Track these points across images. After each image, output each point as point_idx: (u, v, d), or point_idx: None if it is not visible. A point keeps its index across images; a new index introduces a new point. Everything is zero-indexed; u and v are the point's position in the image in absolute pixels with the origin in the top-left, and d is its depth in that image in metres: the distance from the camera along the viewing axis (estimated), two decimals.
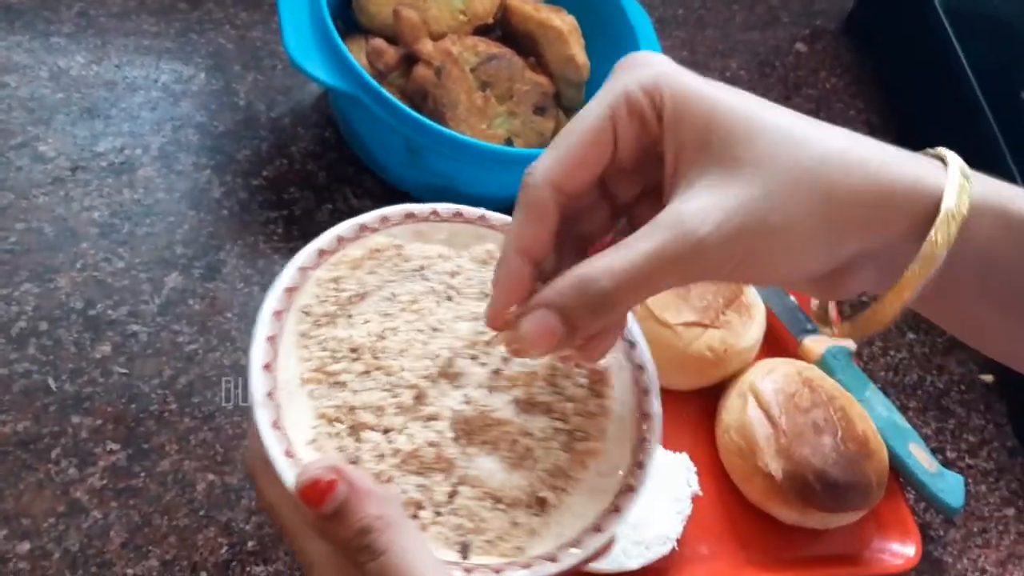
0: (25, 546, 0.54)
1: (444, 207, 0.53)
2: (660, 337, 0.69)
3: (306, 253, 0.48)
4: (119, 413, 0.59)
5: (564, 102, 0.75)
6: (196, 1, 0.78)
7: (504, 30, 0.75)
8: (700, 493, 0.65)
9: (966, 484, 0.77)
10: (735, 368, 0.72)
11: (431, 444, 0.45)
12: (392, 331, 0.48)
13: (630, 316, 0.50)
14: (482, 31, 0.74)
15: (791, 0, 1.08)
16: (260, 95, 0.75)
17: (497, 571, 0.44)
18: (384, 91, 0.62)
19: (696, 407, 0.72)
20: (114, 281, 0.63)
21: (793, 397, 0.69)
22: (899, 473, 0.74)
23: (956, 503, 0.73)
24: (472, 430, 0.47)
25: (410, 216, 0.52)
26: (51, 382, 0.59)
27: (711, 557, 0.67)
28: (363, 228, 0.50)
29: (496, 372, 0.49)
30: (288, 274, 0.47)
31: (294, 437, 0.43)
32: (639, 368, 0.52)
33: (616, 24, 0.75)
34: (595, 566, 0.60)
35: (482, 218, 0.53)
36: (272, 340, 0.45)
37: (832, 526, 0.70)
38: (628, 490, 0.48)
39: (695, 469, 0.66)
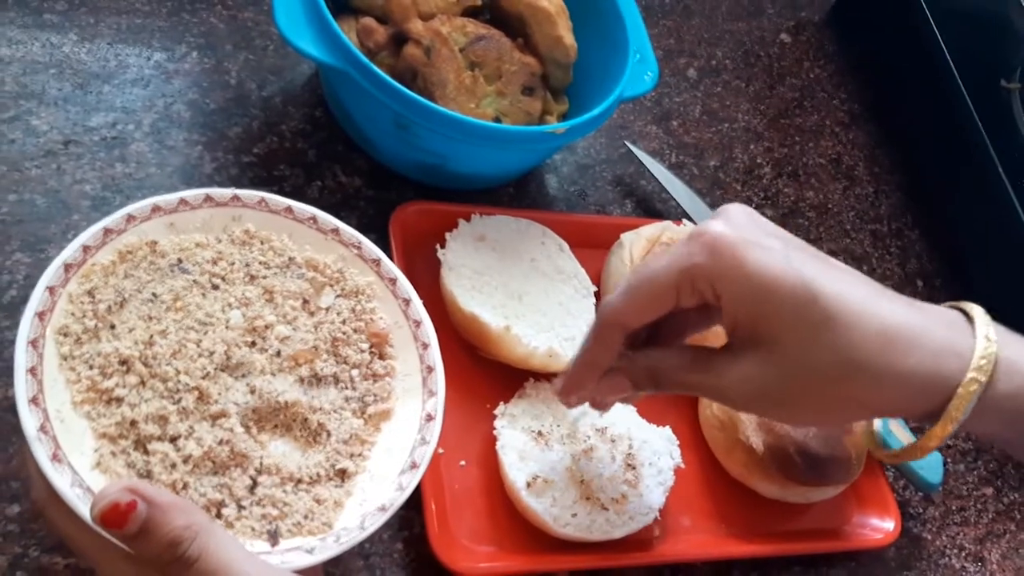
0: (15, 508, 0.54)
1: (192, 193, 0.51)
2: None
3: (51, 272, 0.46)
4: None
5: (552, 83, 0.76)
6: None
7: (492, 12, 0.76)
8: (683, 465, 0.66)
9: (944, 464, 0.79)
10: (718, 343, 0.73)
11: (222, 443, 0.45)
12: (161, 334, 0.47)
13: (399, 273, 0.55)
14: (471, 12, 0.75)
15: None
16: (251, 74, 0.76)
17: (309, 550, 0.44)
18: (374, 67, 0.63)
19: None
20: None
21: None
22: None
23: (935, 479, 0.74)
24: (262, 418, 0.47)
25: (157, 209, 0.50)
26: None
27: (693, 529, 0.68)
28: (108, 232, 0.48)
29: (277, 354, 0.49)
30: (35, 298, 0.45)
31: (79, 465, 0.42)
32: (416, 323, 0.53)
33: (604, 9, 0.76)
34: (581, 535, 0.61)
35: (235, 198, 0.52)
36: (33, 371, 0.43)
37: (813, 500, 0.71)
38: (422, 443, 0.49)
39: (678, 442, 0.67)
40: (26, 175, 0.65)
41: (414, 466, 0.48)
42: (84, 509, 0.39)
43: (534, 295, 0.69)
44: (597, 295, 0.72)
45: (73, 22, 0.73)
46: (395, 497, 0.47)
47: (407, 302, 0.54)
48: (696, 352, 0.52)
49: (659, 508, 0.64)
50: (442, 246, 0.68)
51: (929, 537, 0.77)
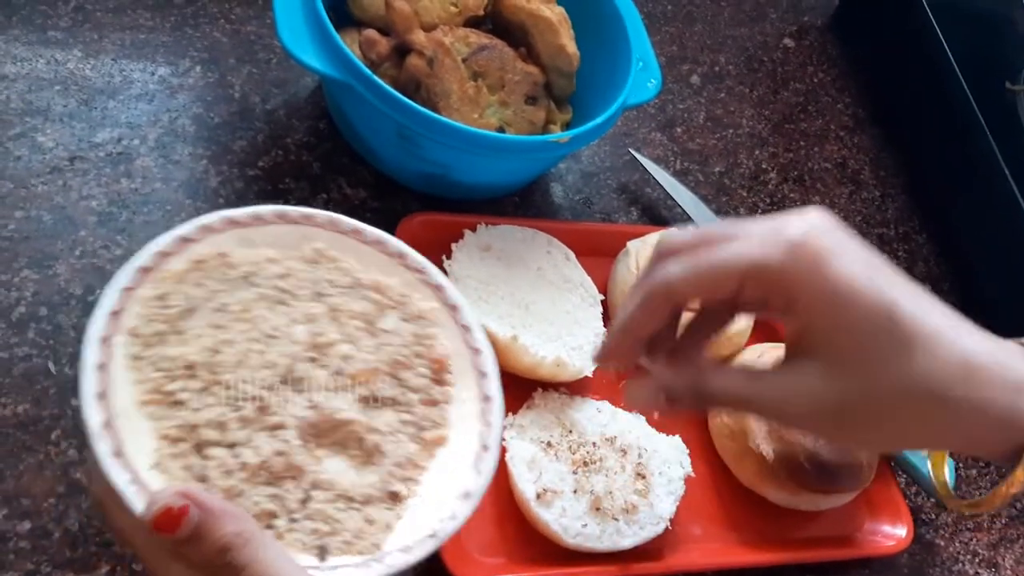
0: (26, 525, 0.54)
1: (266, 209, 0.52)
2: None
3: (127, 273, 0.46)
4: None
5: (555, 92, 0.76)
6: None
7: (494, 22, 0.76)
8: (692, 474, 0.66)
9: (956, 468, 0.78)
10: (727, 352, 0.73)
11: (278, 454, 0.45)
12: (227, 343, 0.47)
13: (463, 301, 0.54)
14: (473, 22, 0.75)
15: None
16: (255, 88, 0.76)
17: (356, 570, 0.44)
18: (378, 79, 0.63)
19: None
20: (113, 268, 0.64)
21: None
22: (890, 456, 0.75)
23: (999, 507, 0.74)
24: (319, 433, 0.47)
25: (232, 222, 0.51)
26: (51, 366, 0.60)
27: (704, 538, 0.67)
28: (183, 240, 0.49)
29: (338, 373, 0.49)
30: (110, 297, 0.45)
31: (138, 463, 0.42)
32: (476, 352, 0.53)
33: (606, 17, 0.76)
34: (591, 545, 0.61)
35: (307, 217, 0.53)
36: (103, 367, 0.44)
37: (824, 508, 0.71)
38: (477, 475, 0.48)
39: (687, 451, 0.67)
40: (32, 192, 0.65)
41: (467, 496, 0.48)
42: (140, 507, 0.40)
43: (541, 304, 0.69)
44: (604, 303, 0.72)
45: (77, 38, 0.73)
46: (446, 526, 0.47)
47: (467, 329, 0.53)
48: (744, 366, 0.49)
49: (669, 517, 0.64)
50: (448, 257, 0.68)
51: (942, 543, 0.76)
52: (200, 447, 0.44)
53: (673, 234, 0.46)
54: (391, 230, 0.68)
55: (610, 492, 0.62)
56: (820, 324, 0.43)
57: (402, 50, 0.69)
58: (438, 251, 0.68)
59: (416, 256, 0.55)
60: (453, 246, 0.68)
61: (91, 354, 0.44)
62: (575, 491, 0.62)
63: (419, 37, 0.69)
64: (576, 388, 0.68)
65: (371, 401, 0.49)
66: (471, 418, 0.51)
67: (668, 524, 0.64)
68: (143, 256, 0.47)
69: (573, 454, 0.63)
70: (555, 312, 0.69)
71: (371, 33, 0.69)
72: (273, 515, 0.44)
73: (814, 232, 0.43)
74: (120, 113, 0.71)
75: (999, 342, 0.45)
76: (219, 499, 0.40)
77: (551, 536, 0.61)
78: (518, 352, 0.64)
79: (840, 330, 0.43)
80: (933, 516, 0.78)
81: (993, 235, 0.91)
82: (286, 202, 0.71)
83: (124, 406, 0.44)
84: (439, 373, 0.52)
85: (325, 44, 0.64)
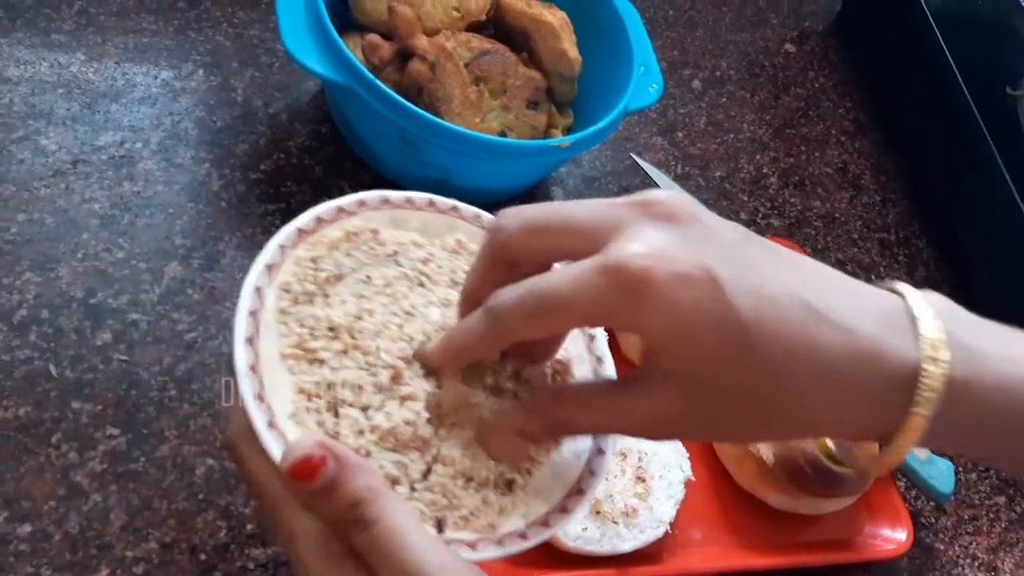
0: (26, 528, 0.54)
1: (418, 195, 0.54)
2: None
3: (286, 232, 0.49)
4: (119, 399, 0.60)
5: (557, 96, 0.76)
6: (194, 0, 0.80)
7: (496, 27, 0.77)
8: (692, 478, 0.66)
9: (956, 472, 0.78)
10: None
11: (407, 423, 0.46)
12: (368, 312, 0.49)
13: None
14: (475, 27, 0.75)
15: (780, 2, 1.10)
16: (257, 91, 0.76)
17: (472, 545, 0.45)
18: (380, 84, 0.63)
19: None
20: (114, 271, 0.64)
21: None
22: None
23: (946, 489, 0.74)
24: (445, 412, 0.48)
25: (386, 202, 0.53)
26: (52, 368, 0.60)
27: (704, 542, 0.68)
28: (341, 211, 0.51)
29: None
30: (268, 251, 0.48)
31: (277, 410, 0.44)
32: (598, 360, 0.53)
33: (608, 22, 0.77)
34: (592, 549, 0.61)
35: (454, 208, 0.54)
36: (254, 315, 0.46)
37: (824, 511, 0.71)
38: (590, 474, 0.49)
39: (688, 454, 0.67)
40: (35, 195, 0.65)
41: (581, 492, 0.49)
42: (277, 451, 0.41)
43: None
44: None
45: (80, 42, 0.73)
46: (560, 518, 0.47)
47: (592, 337, 0.54)
48: (597, 390, 0.47)
49: (670, 521, 0.64)
50: None
51: (942, 547, 0.76)
52: (334, 406, 0.46)
53: (501, 227, 0.43)
54: None
55: (610, 495, 0.62)
56: (671, 356, 0.41)
57: (404, 55, 0.70)
58: None
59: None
60: None
61: (245, 300, 0.45)
62: None
63: (421, 42, 0.69)
64: None
65: (495, 390, 0.51)
66: None
67: (668, 528, 0.64)
68: (303, 219, 0.49)
69: None
70: None
71: (374, 38, 0.70)
72: (396, 481, 0.45)
73: (657, 258, 0.39)
74: (123, 116, 0.71)
75: (863, 320, 0.42)
76: (353, 454, 0.40)
77: (551, 539, 0.61)
78: None
79: (692, 361, 0.40)
80: (933, 520, 0.78)
81: (994, 240, 0.91)
82: (288, 206, 0.71)
83: (268, 355, 0.45)
84: (561, 375, 0.53)
85: (328, 48, 0.64)
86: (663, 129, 0.92)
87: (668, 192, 0.42)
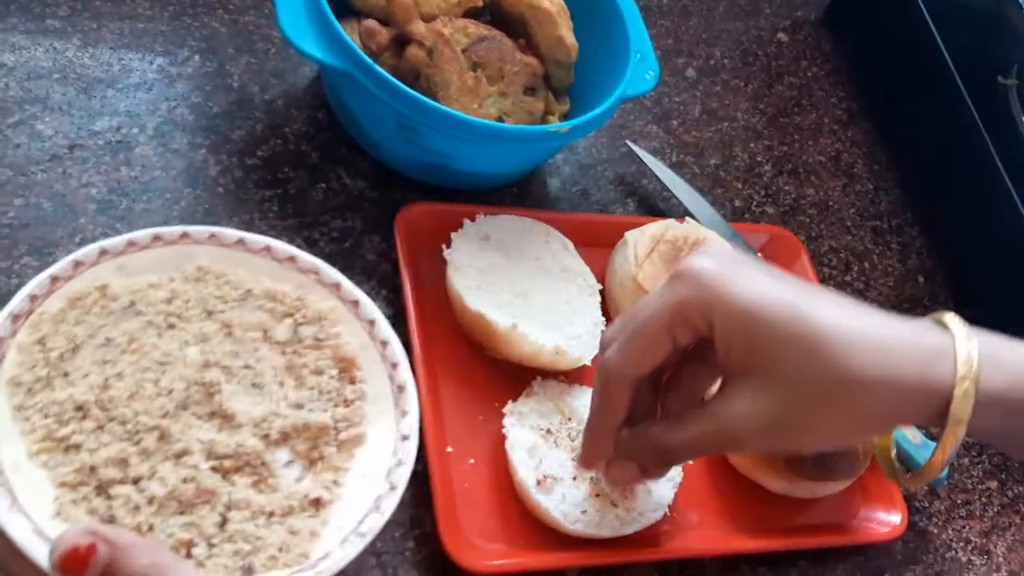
0: None
1: (139, 234, 0.51)
2: None
3: None
4: None
5: (553, 82, 0.77)
6: None
7: (493, 13, 0.77)
8: (690, 461, 0.66)
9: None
10: None
11: (187, 480, 0.44)
12: (117, 377, 0.46)
13: (362, 295, 0.54)
14: (472, 13, 0.75)
15: None
16: (254, 77, 0.76)
17: None
18: (378, 68, 0.63)
19: None
20: None
21: None
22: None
23: (940, 474, 0.74)
24: (230, 454, 0.46)
25: (104, 253, 0.50)
26: None
27: (701, 525, 0.68)
28: (55, 280, 0.48)
29: (254, 385, 0.49)
30: None
31: (37, 515, 0.41)
32: (383, 344, 0.53)
33: (604, 9, 0.77)
34: (591, 532, 0.61)
35: (184, 235, 0.52)
36: None
37: (820, 495, 0.71)
38: (399, 465, 0.48)
39: None
40: (32, 179, 0.65)
41: (392, 488, 0.48)
42: (43, 556, 0.38)
43: (540, 294, 0.69)
44: (602, 293, 0.73)
45: (76, 27, 0.73)
46: (375, 521, 0.46)
47: (372, 323, 0.53)
48: (692, 410, 0.51)
49: (668, 504, 0.64)
50: (448, 246, 0.68)
51: (935, 531, 0.77)
52: (102, 488, 0.43)
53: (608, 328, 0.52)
54: (390, 219, 0.70)
55: None
56: (739, 341, 0.47)
57: (402, 40, 0.70)
58: (438, 240, 0.68)
59: (307, 257, 0.54)
60: (453, 235, 0.69)
61: None
62: (574, 478, 0.62)
63: (419, 27, 0.69)
64: (575, 376, 0.69)
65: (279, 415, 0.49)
66: (388, 411, 0.51)
67: (667, 511, 0.64)
68: (12, 304, 0.46)
69: (572, 441, 0.63)
70: (554, 301, 0.69)
71: (371, 23, 0.70)
72: (191, 544, 0.43)
73: (712, 262, 0.47)
74: (119, 102, 0.71)
75: (907, 319, 0.49)
76: (128, 533, 0.38)
77: (551, 522, 0.61)
78: (518, 341, 0.64)
79: (755, 342, 0.46)
80: (927, 504, 0.78)
81: (986, 228, 0.91)
82: (285, 192, 0.71)
83: (15, 460, 0.43)
84: (349, 372, 0.52)
85: (326, 33, 0.64)
86: (658, 117, 0.92)
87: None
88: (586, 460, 0.56)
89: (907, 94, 1.01)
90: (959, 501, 0.80)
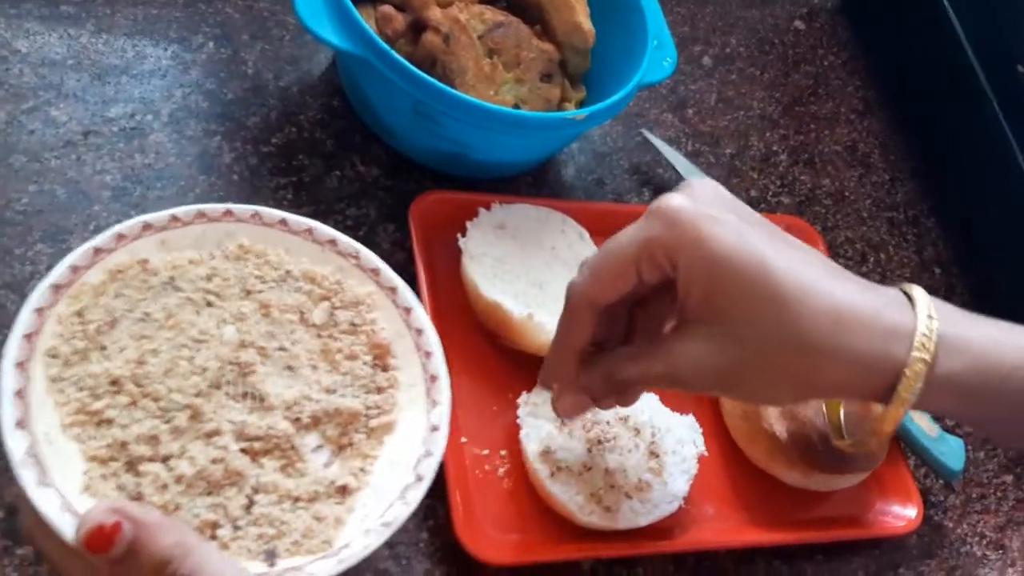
0: None
1: (184, 210, 0.51)
2: None
3: (39, 293, 0.45)
4: None
5: (570, 69, 0.76)
6: None
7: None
8: (706, 453, 0.66)
9: (966, 451, 0.78)
10: None
11: (216, 461, 0.44)
12: (152, 353, 0.46)
13: (400, 282, 0.54)
14: (488, 0, 0.74)
15: None
16: (268, 64, 0.76)
17: (308, 570, 0.43)
18: (395, 54, 0.63)
19: None
20: None
21: None
22: (900, 438, 0.75)
23: (957, 466, 0.74)
24: (259, 435, 0.46)
25: (148, 227, 0.49)
26: None
27: (716, 517, 0.68)
28: (97, 251, 0.47)
29: (288, 368, 0.48)
30: (23, 319, 0.44)
31: (66, 489, 0.41)
32: (418, 332, 0.52)
33: None
34: (605, 523, 0.61)
35: (228, 213, 0.51)
36: (21, 394, 0.42)
37: (835, 488, 0.71)
38: (427, 456, 0.48)
39: (701, 430, 0.67)
40: (46, 166, 0.65)
41: (419, 479, 0.47)
42: (70, 532, 0.38)
43: (555, 283, 0.68)
44: None
45: (90, 13, 0.73)
46: (400, 512, 0.46)
47: (408, 311, 0.53)
48: (647, 344, 0.51)
49: (683, 496, 0.64)
50: (463, 235, 0.68)
51: (950, 525, 0.77)
52: (132, 464, 0.43)
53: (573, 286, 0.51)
54: (405, 208, 0.69)
55: (624, 470, 0.62)
56: (700, 286, 0.46)
57: (418, 27, 0.69)
58: (453, 229, 0.68)
59: (348, 240, 0.54)
60: (468, 224, 0.68)
61: (7, 381, 0.42)
62: (589, 468, 0.62)
63: (435, 14, 0.69)
64: None
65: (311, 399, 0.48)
66: (419, 400, 0.51)
67: (682, 503, 0.64)
68: (55, 273, 0.46)
69: (587, 432, 0.63)
70: None
71: (387, 9, 0.69)
72: (216, 525, 0.43)
73: (690, 201, 0.46)
74: (133, 88, 0.70)
75: (874, 289, 0.48)
76: (153, 511, 0.38)
77: (565, 514, 0.61)
78: (534, 330, 0.64)
79: (716, 293, 0.46)
80: (942, 498, 0.78)
81: (1003, 219, 0.90)
82: (300, 180, 0.71)
83: (48, 431, 0.42)
84: (382, 359, 0.52)
85: (342, 19, 0.63)
86: (673, 105, 0.91)
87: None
88: (543, 381, 0.55)
89: (925, 83, 1.00)
90: (974, 495, 0.79)
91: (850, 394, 0.50)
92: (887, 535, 0.72)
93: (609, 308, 0.51)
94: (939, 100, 0.98)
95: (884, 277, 0.89)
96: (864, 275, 0.87)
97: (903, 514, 0.72)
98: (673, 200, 0.47)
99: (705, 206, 0.46)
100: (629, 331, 0.53)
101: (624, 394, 0.53)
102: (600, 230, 0.74)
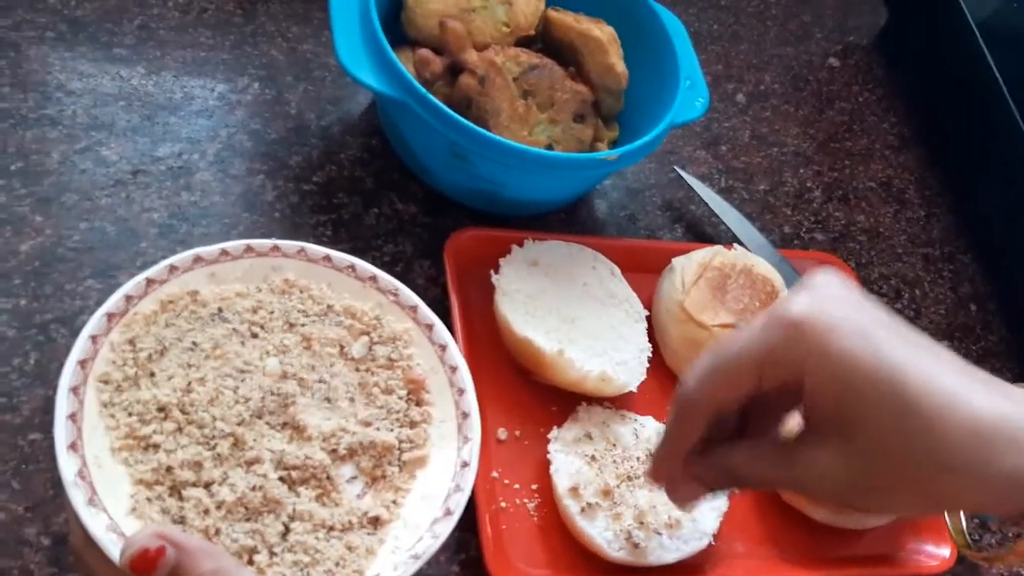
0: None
1: (233, 244, 0.53)
2: (697, 338, 0.71)
3: (94, 321, 0.47)
4: None
5: (603, 110, 0.77)
6: (250, 15, 0.82)
7: (545, 41, 0.78)
8: (736, 490, 0.66)
9: None
10: None
11: (255, 488, 0.46)
12: (199, 381, 0.48)
13: (436, 319, 0.55)
14: (524, 42, 0.76)
15: (824, 16, 1.10)
16: (310, 105, 0.78)
17: None
18: (432, 97, 0.65)
19: None
20: None
21: None
22: None
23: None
24: (297, 465, 0.48)
25: (199, 260, 0.52)
26: None
27: (746, 555, 0.68)
28: (150, 282, 0.50)
29: (327, 400, 0.50)
30: (79, 347, 0.46)
31: (114, 510, 0.43)
32: (452, 369, 0.53)
33: (654, 36, 0.77)
34: (635, 559, 0.61)
35: (275, 248, 0.53)
36: (73, 417, 0.45)
37: (868, 526, 0.71)
38: (457, 491, 0.49)
39: None
40: (96, 204, 0.67)
41: (448, 513, 0.48)
42: (116, 553, 0.40)
43: (586, 319, 0.70)
44: (648, 319, 0.73)
45: (141, 55, 0.76)
46: (429, 545, 0.47)
47: (443, 348, 0.54)
48: (770, 445, 0.49)
49: (712, 533, 0.64)
50: (496, 271, 0.69)
51: (985, 564, 0.76)
52: (176, 489, 0.45)
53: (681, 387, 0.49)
54: (440, 245, 0.71)
55: (654, 506, 0.63)
56: (828, 403, 0.44)
57: (455, 69, 0.71)
58: (486, 265, 0.69)
59: (387, 278, 0.56)
60: (501, 261, 0.70)
61: (62, 404, 0.44)
62: (619, 505, 0.62)
63: (471, 56, 0.71)
64: (620, 403, 0.69)
65: (348, 431, 0.50)
66: (451, 436, 0.52)
67: (711, 540, 0.64)
68: (110, 302, 0.48)
69: (617, 468, 0.64)
70: (601, 327, 0.70)
71: (425, 52, 0.71)
72: (253, 550, 0.45)
73: (812, 310, 0.44)
74: (181, 128, 0.73)
75: (1011, 395, 0.45)
76: (195, 538, 0.40)
77: (595, 549, 0.62)
78: (564, 366, 0.65)
79: (847, 407, 0.43)
80: (977, 537, 0.77)
81: None
82: (339, 216, 0.73)
83: (98, 454, 0.45)
84: (417, 393, 0.53)
85: (381, 63, 0.65)
86: (707, 142, 0.92)
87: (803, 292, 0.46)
88: (653, 475, 0.54)
89: (960, 120, 1.00)
90: (1009, 534, 0.79)
91: (993, 511, 0.47)
92: (920, 574, 0.72)
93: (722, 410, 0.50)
94: (974, 136, 0.98)
95: (919, 314, 0.89)
96: (899, 312, 0.87)
97: (936, 553, 0.72)
98: (793, 307, 0.44)
99: (829, 311, 0.44)
100: (742, 424, 0.52)
101: (742, 487, 0.52)
102: (632, 266, 0.75)
